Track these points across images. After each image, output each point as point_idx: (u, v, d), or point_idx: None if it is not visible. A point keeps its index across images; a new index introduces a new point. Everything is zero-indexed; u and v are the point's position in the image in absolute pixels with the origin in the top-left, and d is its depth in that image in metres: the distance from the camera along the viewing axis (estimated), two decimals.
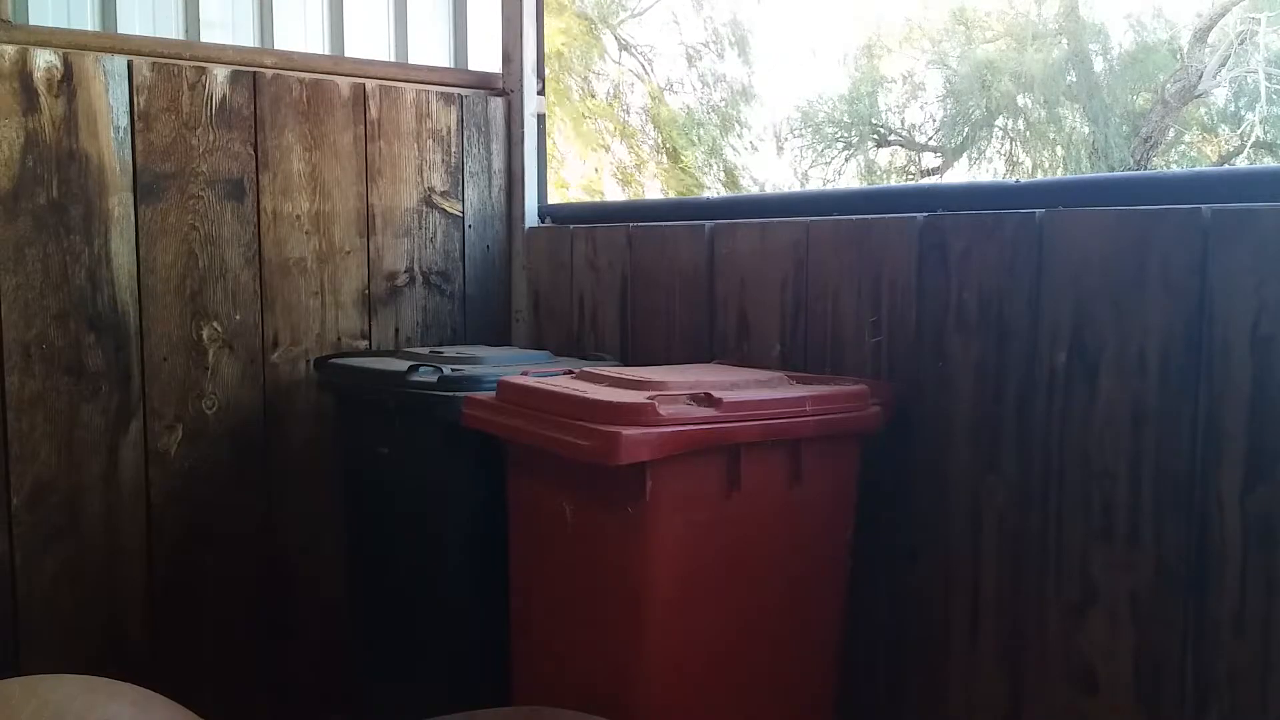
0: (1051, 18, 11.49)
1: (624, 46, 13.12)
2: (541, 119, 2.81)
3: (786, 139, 13.19)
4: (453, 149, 2.69)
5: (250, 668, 2.46)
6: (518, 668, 1.95)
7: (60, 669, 1.93)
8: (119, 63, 2.24)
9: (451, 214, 2.70)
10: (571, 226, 2.67)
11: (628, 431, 1.58)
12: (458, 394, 1.95)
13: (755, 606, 1.76)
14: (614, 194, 12.73)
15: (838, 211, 2.05)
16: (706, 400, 1.68)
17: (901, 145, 12.70)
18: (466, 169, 2.72)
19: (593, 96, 12.90)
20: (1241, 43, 9.96)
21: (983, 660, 1.84)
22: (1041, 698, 1.75)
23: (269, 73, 2.42)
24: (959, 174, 12.10)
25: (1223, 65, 10.14)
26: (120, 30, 2.78)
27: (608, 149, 13.01)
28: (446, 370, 2.08)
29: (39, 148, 2.16)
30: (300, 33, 3.01)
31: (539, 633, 1.89)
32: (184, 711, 1.64)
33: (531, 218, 2.79)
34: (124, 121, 2.25)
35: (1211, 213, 1.53)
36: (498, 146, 2.76)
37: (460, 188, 2.71)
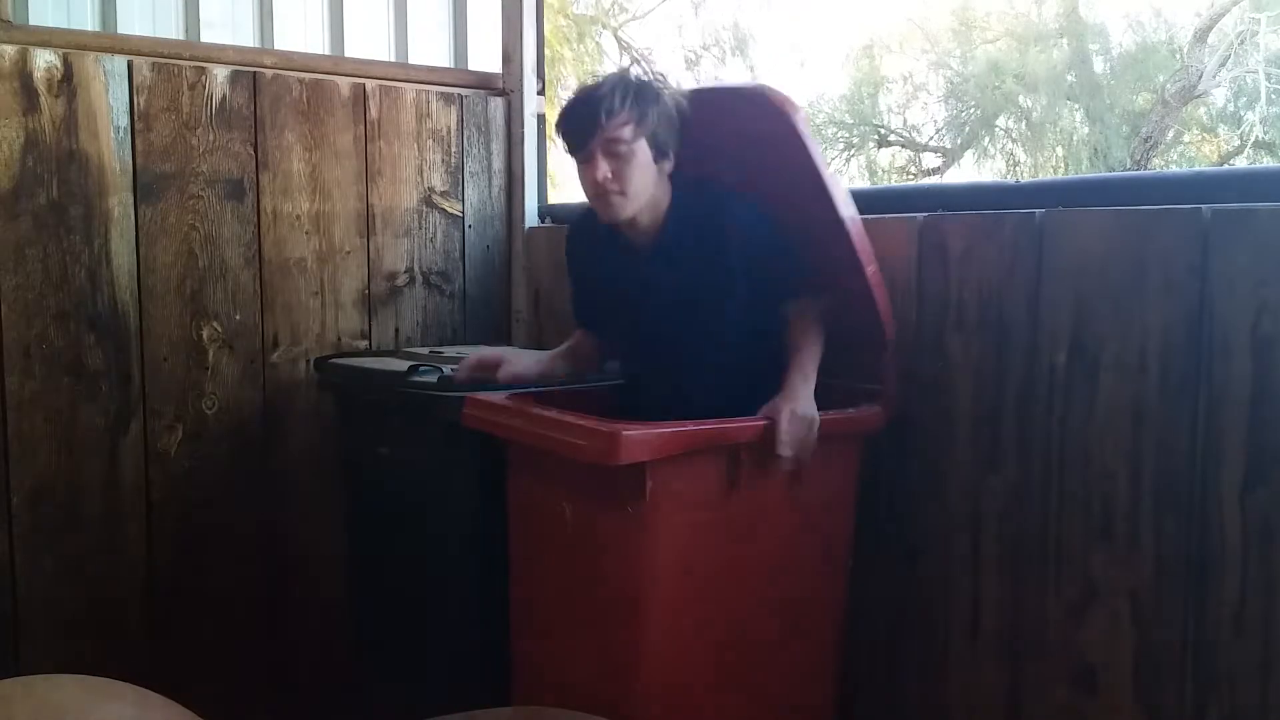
0: (1052, 18, 11.50)
1: (624, 48, 13.12)
2: (542, 119, 2.81)
3: None
4: (453, 149, 2.69)
5: (250, 668, 2.46)
6: (518, 668, 1.95)
7: (60, 669, 1.93)
8: (119, 63, 2.24)
9: (451, 214, 2.70)
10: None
11: (628, 431, 1.58)
12: (458, 394, 1.94)
13: (755, 606, 1.76)
14: None
15: None
16: None
17: (903, 145, 12.71)
18: (466, 169, 2.72)
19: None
20: (1241, 43, 9.96)
21: (983, 660, 1.84)
22: (1041, 698, 1.75)
23: (269, 73, 2.42)
24: (960, 174, 12.11)
25: (1223, 65, 10.14)
26: (120, 30, 2.78)
27: None
28: (446, 370, 2.08)
29: (39, 148, 2.16)
30: (300, 33, 3.01)
31: (539, 633, 1.89)
32: (183, 711, 1.65)
33: (531, 218, 2.78)
34: (124, 122, 2.25)
35: (1211, 213, 1.53)
36: (498, 146, 2.76)
37: (460, 188, 2.71)
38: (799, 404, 1.70)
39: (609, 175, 1.73)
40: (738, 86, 1.83)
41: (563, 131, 1.77)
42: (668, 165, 1.79)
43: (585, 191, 1.79)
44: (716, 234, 1.78)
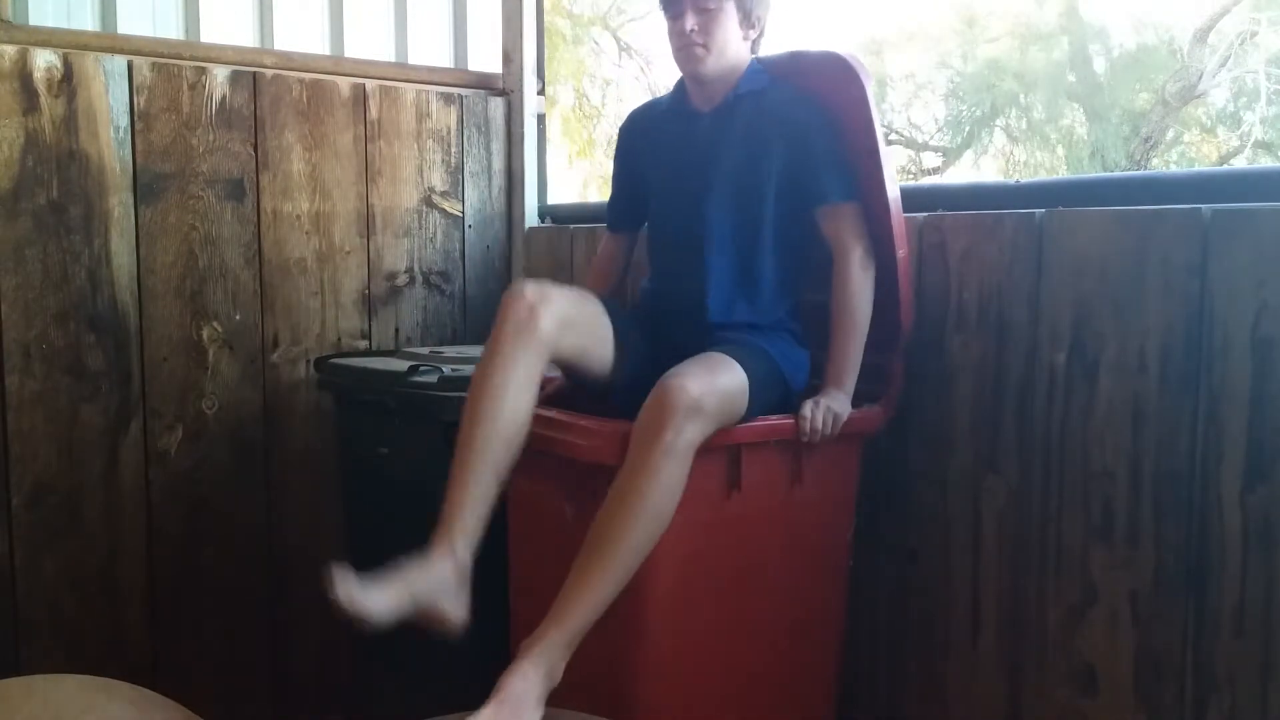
0: (1053, 18, 11.49)
1: (624, 49, 13.11)
2: (542, 119, 2.81)
3: None
4: (453, 149, 2.69)
5: (250, 668, 2.46)
6: None
7: (60, 669, 1.93)
8: (119, 63, 2.24)
9: (451, 214, 2.70)
10: (571, 227, 2.67)
11: (627, 431, 1.58)
12: (458, 394, 1.94)
13: (755, 606, 1.76)
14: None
15: None
16: None
17: (903, 145, 12.70)
18: (466, 169, 2.72)
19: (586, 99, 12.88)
20: (1241, 43, 9.96)
21: (983, 660, 1.84)
22: (1041, 698, 1.75)
23: (269, 73, 2.42)
24: (960, 173, 12.10)
25: (1223, 65, 10.14)
26: (120, 30, 2.78)
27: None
28: (446, 370, 2.08)
29: (39, 148, 2.16)
30: (300, 33, 3.01)
31: None
32: (182, 710, 1.65)
33: (531, 218, 2.79)
34: (124, 121, 2.25)
35: (1211, 213, 1.53)
36: (498, 146, 2.76)
37: (460, 188, 2.71)
38: (833, 401, 1.75)
39: (695, 28, 1.80)
40: (817, 51, 1.91)
41: None
42: (752, 34, 1.86)
43: (671, 44, 1.85)
44: (785, 114, 1.83)
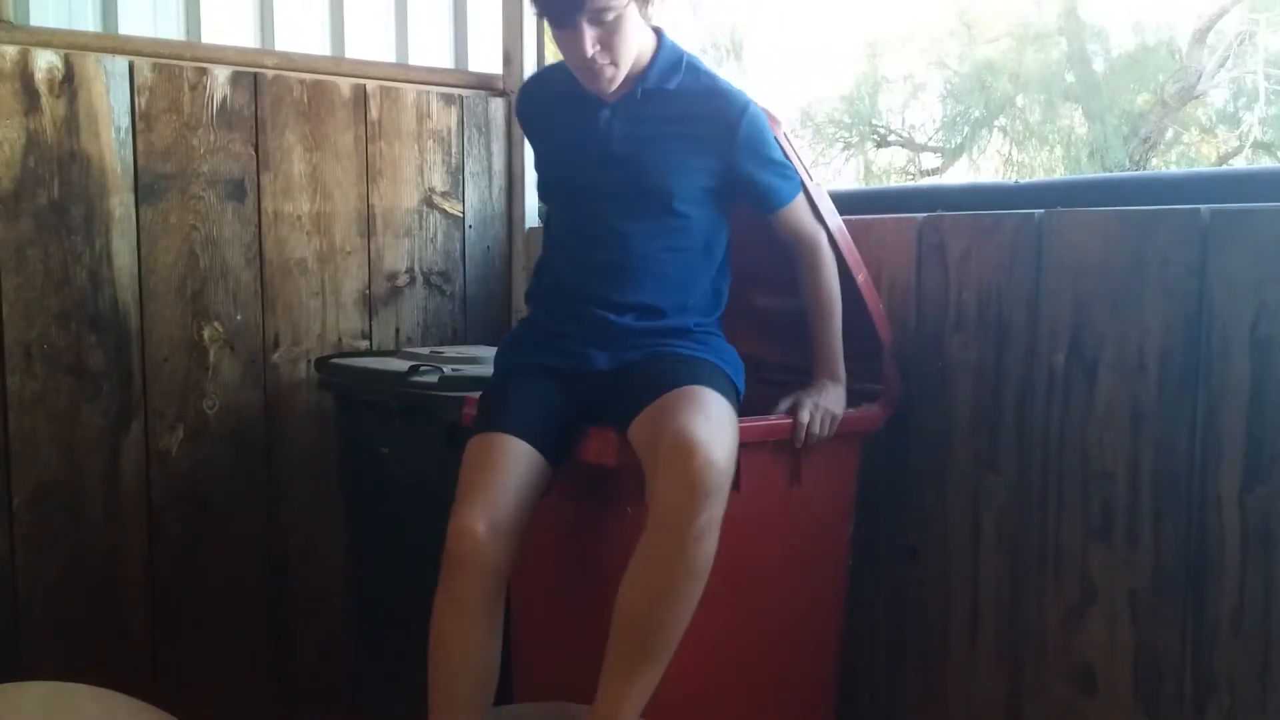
0: (1052, 18, 11.50)
1: None
2: None
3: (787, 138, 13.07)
4: (453, 149, 2.69)
5: (250, 668, 2.46)
6: (518, 667, 1.95)
7: (60, 669, 1.94)
8: (120, 63, 2.24)
9: (452, 214, 2.71)
10: None
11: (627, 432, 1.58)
12: (458, 394, 1.95)
13: (755, 606, 1.76)
14: None
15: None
16: None
17: (901, 145, 12.70)
18: (467, 169, 2.72)
19: None
20: (1240, 43, 9.96)
21: (983, 660, 1.84)
22: (1041, 698, 1.76)
23: (270, 73, 2.42)
24: (958, 174, 12.11)
25: (1221, 66, 10.15)
26: (121, 31, 2.78)
27: None
28: (447, 370, 2.08)
29: (40, 148, 2.16)
30: (301, 33, 3.02)
31: (539, 633, 1.89)
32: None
33: (532, 218, 2.79)
34: (125, 122, 2.25)
35: (1210, 213, 1.54)
36: (498, 147, 2.77)
37: (461, 188, 2.72)
38: (826, 399, 1.72)
39: (600, 48, 1.54)
40: None
41: (541, 5, 1.56)
42: (651, 8, 1.61)
43: (566, 59, 1.59)
44: (709, 122, 1.65)
